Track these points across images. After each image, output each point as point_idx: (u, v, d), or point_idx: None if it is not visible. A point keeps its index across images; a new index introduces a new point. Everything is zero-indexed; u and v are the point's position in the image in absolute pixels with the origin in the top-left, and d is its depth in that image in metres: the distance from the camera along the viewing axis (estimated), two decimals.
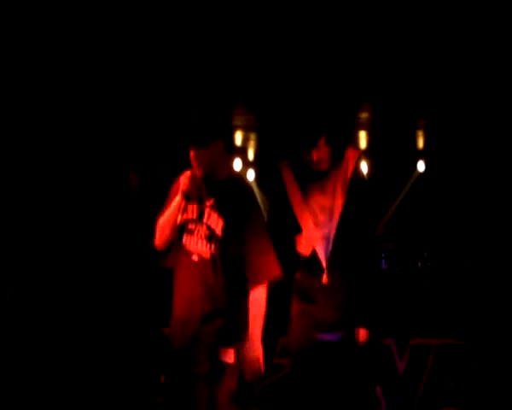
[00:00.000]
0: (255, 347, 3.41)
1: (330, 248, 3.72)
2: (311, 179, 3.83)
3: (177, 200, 3.56)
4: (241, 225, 3.47)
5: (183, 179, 3.52)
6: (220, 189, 3.55)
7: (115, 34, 5.69)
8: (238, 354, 3.45)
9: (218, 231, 3.46)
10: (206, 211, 3.53)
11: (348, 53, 5.94)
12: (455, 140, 6.95)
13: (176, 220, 3.55)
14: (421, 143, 7.68)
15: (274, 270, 3.49)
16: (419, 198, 7.52)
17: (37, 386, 5.47)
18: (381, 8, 5.51)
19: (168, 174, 3.87)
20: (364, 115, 6.84)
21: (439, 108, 6.68)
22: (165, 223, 3.60)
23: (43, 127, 5.95)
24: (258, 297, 3.44)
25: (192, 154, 3.51)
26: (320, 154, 3.77)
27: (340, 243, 3.72)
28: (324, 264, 3.71)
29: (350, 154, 3.87)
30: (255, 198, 3.67)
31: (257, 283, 3.44)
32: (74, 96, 6.01)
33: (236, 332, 3.47)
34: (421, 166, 7.94)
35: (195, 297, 3.48)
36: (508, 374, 5.38)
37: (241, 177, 3.95)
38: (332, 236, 3.72)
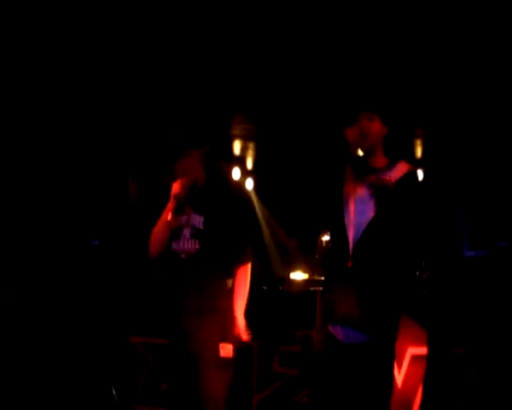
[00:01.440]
0: (238, 321, 3.87)
1: (359, 236, 3.72)
2: (362, 174, 3.84)
3: (168, 205, 3.94)
4: (223, 219, 3.91)
5: (175, 185, 3.92)
6: (202, 192, 3.98)
7: (115, 45, 5.72)
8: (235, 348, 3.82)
9: (201, 225, 3.91)
10: (189, 215, 3.96)
11: (347, 63, 5.97)
12: (453, 149, 6.97)
13: (168, 222, 3.92)
14: (419, 152, 7.68)
15: (249, 256, 3.97)
16: (412, 195, 7.47)
17: (36, 387, 5.52)
18: (380, 21, 5.54)
19: (166, 184, 4.00)
20: None
21: (438, 117, 6.70)
22: (158, 229, 3.98)
23: (44, 137, 6.05)
24: (241, 277, 3.93)
25: (177, 166, 3.95)
26: (355, 132, 3.77)
27: (370, 236, 3.71)
28: (351, 248, 3.71)
29: (402, 164, 3.85)
30: (238, 194, 4.12)
31: (240, 264, 3.93)
32: (74, 107, 6.09)
33: (231, 328, 3.85)
34: (419, 175, 7.98)
35: (186, 292, 3.86)
36: (507, 382, 5.31)
37: (225, 178, 4.27)
38: (363, 227, 3.72)
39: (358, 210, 3.80)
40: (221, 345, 3.78)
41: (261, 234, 7.99)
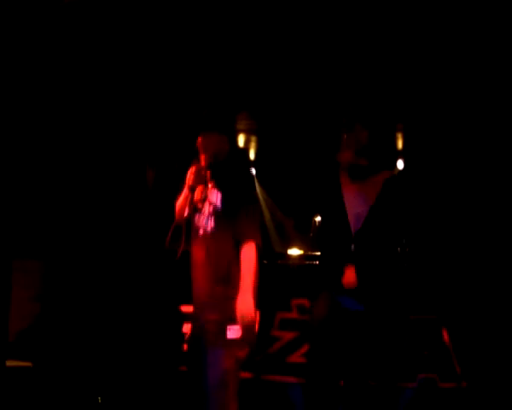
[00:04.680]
0: (246, 299, 3.52)
1: (360, 224, 4.05)
2: (356, 177, 4.19)
3: (184, 192, 3.90)
4: (237, 198, 3.77)
5: (189, 174, 3.85)
6: (221, 171, 3.88)
7: (134, 44, 5.88)
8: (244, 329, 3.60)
9: (218, 202, 3.79)
10: (209, 190, 3.87)
11: (338, 68, 6.28)
12: (430, 141, 7.23)
13: (184, 208, 3.89)
14: (400, 144, 7.96)
15: (256, 236, 3.71)
16: (399, 192, 7.70)
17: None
18: (365, 33, 5.85)
19: (179, 170, 4.11)
20: None
21: (416, 113, 6.98)
22: (179, 203, 3.95)
23: (67, 129, 6.18)
24: (247, 254, 3.63)
25: (200, 140, 3.85)
26: (353, 138, 4.12)
27: (371, 222, 4.05)
28: (353, 234, 4.02)
29: (385, 172, 4.29)
30: (251, 179, 4.04)
31: (246, 240, 3.67)
32: (97, 102, 6.26)
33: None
34: (400, 164, 8.18)
35: (202, 267, 3.77)
36: (475, 343, 5.58)
37: (242, 163, 4.19)
38: (363, 215, 4.07)
39: (356, 203, 4.13)
40: (228, 327, 3.61)
41: (262, 215, 8.12)
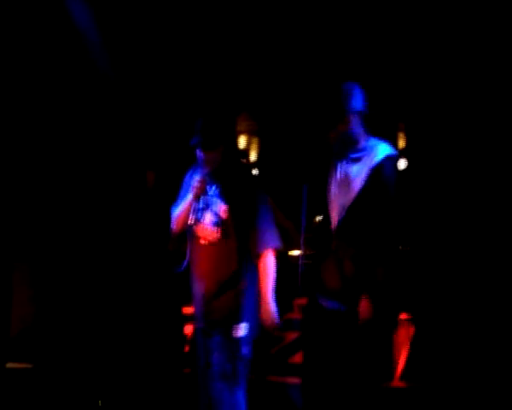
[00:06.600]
0: (267, 306, 3.77)
1: (343, 216, 3.81)
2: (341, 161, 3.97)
3: (189, 199, 3.92)
4: (245, 207, 3.84)
5: (196, 183, 3.88)
6: (224, 179, 3.95)
7: (133, 42, 5.99)
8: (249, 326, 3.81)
9: (223, 213, 3.85)
10: (212, 200, 3.93)
11: (339, 68, 6.30)
12: (432, 141, 7.10)
13: (187, 214, 3.90)
14: (402, 143, 7.88)
15: (275, 241, 3.87)
16: (401, 192, 7.63)
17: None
18: (367, 32, 5.93)
19: (180, 172, 4.21)
20: None
21: (418, 113, 6.93)
22: (179, 214, 3.98)
23: (65, 129, 6.23)
24: (265, 263, 3.81)
25: (201, 155, 3.90)
26: (344, 128, 3.88)
27: (353, 215, 3.81)
28: (334, 230, 3.83)
29: (380, 147, 4.00)
30: (257, 184, 4.02)
31: (262, 250, 3.81)
32: (96, 102, 6.29)
33: (246, 307, 3.84)
34: (402, 163, 8.01)
35: (204, 276, 3.89)
36: (459, 342, 5.63)
37: (244, 167, 4.33)
38: (347, 207, 3.82)
39: (339, 193, 3.89)
40: (234, 326, 3.76)
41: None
